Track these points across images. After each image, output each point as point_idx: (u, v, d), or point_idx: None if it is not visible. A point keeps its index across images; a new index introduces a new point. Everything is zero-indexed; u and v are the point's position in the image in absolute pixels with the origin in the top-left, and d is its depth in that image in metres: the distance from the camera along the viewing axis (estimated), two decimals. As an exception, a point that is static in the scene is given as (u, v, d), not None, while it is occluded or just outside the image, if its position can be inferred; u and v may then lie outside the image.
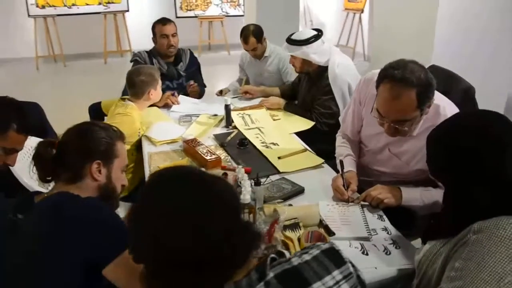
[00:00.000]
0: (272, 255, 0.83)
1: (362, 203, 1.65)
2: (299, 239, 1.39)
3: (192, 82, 3.15)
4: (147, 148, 2.27)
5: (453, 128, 1.13)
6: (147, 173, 2.00)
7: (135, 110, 2.41)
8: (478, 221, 1.01)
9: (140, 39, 8.40)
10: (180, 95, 2.97)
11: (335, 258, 0.84)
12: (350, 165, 1.81)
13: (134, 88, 2.47)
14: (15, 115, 1.64)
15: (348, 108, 1.96)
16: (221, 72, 7.07)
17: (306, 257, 0.83)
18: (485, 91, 2.59)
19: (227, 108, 2.48)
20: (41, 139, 1.49)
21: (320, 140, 2.30)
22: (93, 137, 1.35)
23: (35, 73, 7.31)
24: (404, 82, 1.45)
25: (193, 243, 0.74)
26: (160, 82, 2.58)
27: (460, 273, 0.97)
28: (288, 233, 1.41)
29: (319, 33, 2.55)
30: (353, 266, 0.87)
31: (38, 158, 1.34)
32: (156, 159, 2.11)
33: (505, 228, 0.95)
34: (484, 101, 2.57)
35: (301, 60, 2.53)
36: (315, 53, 2.48)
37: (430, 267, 1.17)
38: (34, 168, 1.36)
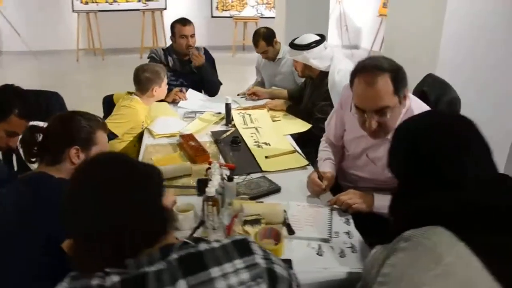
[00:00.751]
0: (186, 240, 0.90)
1: (335, 206, 1.68)
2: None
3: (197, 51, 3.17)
4: (146, 140, 2.40)
5: (416, 126, 1.13)
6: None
7: (139, 104, 2.54)
8: (411, 229, 1.03)
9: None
10: (190, 90, 3.07)
11: (242, 248, 0.89)
12: (328, 167, 1.85)
13: (139, 84, 2.60)
14: (18, 101, 1.80)
15: (333, 113, 1.99)
16: (253, 73, 7.21)
17: (215, 244, 0.89)
18: (497, 90, 2.57)
19: (227, 106, 2.56)
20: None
21: (316, 144, 2.34)
22: (74, 125, 1.48)
23: (75, 65, 7.71)
24: (377, 68, 1.49)
25: (103, 219, 0.83)
26: (165, 80, 2.69)
27: (386, 279, 1.00)
28: (247, 227, 1.47)
29: (321, 39, 2.58)
30: (268, 259, 0.92)
31: (25, 142, 1.47)
32: (150, 151, 2.22)
33: (430, 238, 0.95)
34: (498, 100, 2.54)
35: (302, 64, 2.58)
36: (315, 58, 2.51)
37: (370, 272, 1.20)
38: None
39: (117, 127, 2.43)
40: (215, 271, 0.83)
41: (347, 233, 1.54)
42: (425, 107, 1.63)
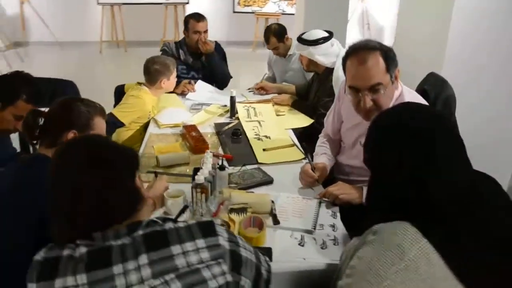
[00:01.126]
0: (154, 219, 0.95)
1: (325, 199, 1.71)
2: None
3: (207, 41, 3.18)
4: (151, 129, 2.47)
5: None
6: (141, 150, 2.18)
7: (147, 94, 2.61)
8: (380, 223, 1.05)
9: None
10: (199, 81, 3.13)
11: (206, 229, 0.93)
12: (322, 160, 1.88)
13: (148, 75, 2.67)
14: (25, 87, 1.90)
15: (332, 108, 2.02)
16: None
17: (181, 225, 0.93)
18: (502, 90, 2.53)
19: (232, 99, 2.60)
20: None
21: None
22: (73, 110, 1.55)
23: (98, 56, 7.89)
24: (367, 48, 1.55)
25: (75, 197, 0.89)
26: (174, 73, 2.76)
27: (352, 271, 1.02)
28: (233, 215, 1.51)
29: (329, 35, 2.59)
30: (233, 242, 0.96)
31: (28, 125, 1.55)
32: (153, 140, 2.29)
33: (397, 234, 0.96)
34: (503, 99, 2.51)
35: (307, 59, 2.60)
36: (321, 55, 2.53)
37: (344, 263, 1.23)
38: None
39: (124, 115, 2.51)
40: (176, 249, 0.88)
41: (332, 226, 1.56)
42: (416, 96, 1.65)
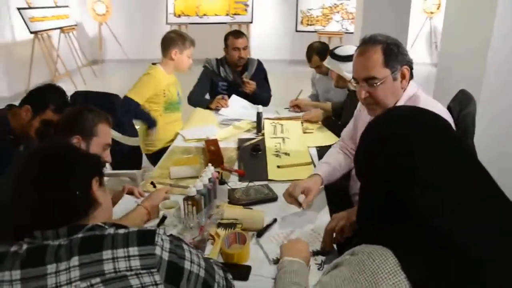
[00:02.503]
0: (99, 224, 0.97)
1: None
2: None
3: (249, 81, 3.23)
4: (176, 142, 2.54)
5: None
6: (160, 162, 2.24)
7: (159, 72, 2.74)
8: (363, 244, 0.96)
9: (260, 48, 8.94)
10: (233, 96, 3.18)
11: (144, 238, 0.93)
12: (319, 170, 1.81)
13: (162, 43, 2.79)
14: (55, 98, 2.04)
15: (354, 116, 2.00)
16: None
17: (121, 231, 0.94)
18: None
19: (259, 115, 2.60)
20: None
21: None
22: (78, 117, 1.65)
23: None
24: (371, 41, 1.54)
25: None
26: (189, 51, 2.81)
27: (320, 286, 0.96)
28: (219, 230, 1.49)
29: None
30: (174, 253, 0.94)
31: (40, 134, 1.67)
32: (175, 152, 2.35)
33: (375, 260, 0.87)
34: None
35: (336, 74, 2.53)
36: (350, 72, 2.44)
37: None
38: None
39: (138, 94, 2.65)
40: (107, 254, 0.89)
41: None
42: (432, 103, 1.57)
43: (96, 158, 1.09)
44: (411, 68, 1.59)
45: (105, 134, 1.69)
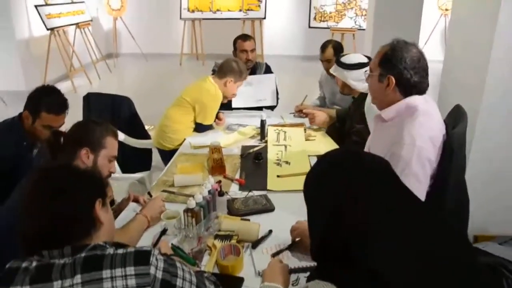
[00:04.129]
0: (100, 243, 1.06)
1: None
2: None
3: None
4: (182, 148, 2.64)
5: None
6: (166, 169, 2.34)
7: (217, 90, 2.83)
8: (316, 280, 0.99)
9: (273, 44, 8.97)
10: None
11: (140, 258, 1.02)
12: None
13: (222, 67, 2.90)
14: (44, 99, 2.11)
15: None
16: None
17: (120, 251, 1.04)
18: None
19: (262, 123, 2.68)
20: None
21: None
22: (87, 129, 1.75)
23: (178, 68, 8.43)
24: (391, 42, 1.75)
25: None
26: (241, 83, 2.94)
27: None
28: (216, 242, 1.59)
29: (367, 62, 2.55)
30: (168, 272, 1.04)
31: (49, 144, 1.77)
32: (181, 159, 2.45)
33: None
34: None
35: (342, 81, 2.59)
36: (354, 80, 2.50)
37: None
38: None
39: (210, 118, 2.85)
40: (106, 273, 0.99)
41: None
42: (424, 120, 1.64)
43: (99, 179, 1.19)
44: (410, 84, 1.68)
45: (113, 146, 1.79)
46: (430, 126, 1.65)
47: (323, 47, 3.40)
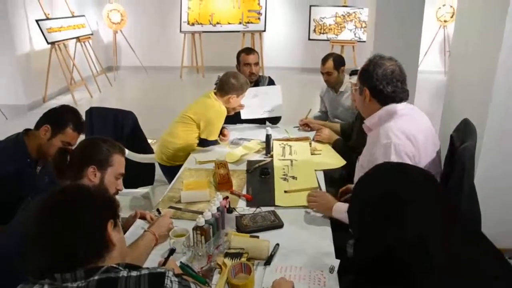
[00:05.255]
0: (113, 265, 1.04)
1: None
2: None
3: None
4: (187, 164, 2.61)
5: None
6: (171, 185, 2.31)
7: (221, 106, 2.81)
8: None
9: (273, 56, 9.00)
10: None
11: (154, 280, 1.00)
12: None
13: (222, 86, 2.85)
14: (72, 117, 2.15)
15: None
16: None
17: (133, 273, 1.01)
18: None
19: (268, 137, 2.66)
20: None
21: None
22: (94, 147, 1.73)
23: (179, 81, 8.45)
24: (373, 57, 1.90)
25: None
26: (245, 94, 2.91)
27: None
28: (227, 260, 1.56)
29: None
30: None
31: (56, 163, 1.75)
32: (186, 175, 2.42)
33: None
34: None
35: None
36: None
37: None
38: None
39: (214, 134, 2.79)
40: None
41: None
42: (403, 123, 1.77)
43: (111, 200, 1.17)
44: (384, 95, 1.81)
45: (120, 164, 1.77)
46: (407, 126, 1.77)
47: (324, 60, 3.43)
